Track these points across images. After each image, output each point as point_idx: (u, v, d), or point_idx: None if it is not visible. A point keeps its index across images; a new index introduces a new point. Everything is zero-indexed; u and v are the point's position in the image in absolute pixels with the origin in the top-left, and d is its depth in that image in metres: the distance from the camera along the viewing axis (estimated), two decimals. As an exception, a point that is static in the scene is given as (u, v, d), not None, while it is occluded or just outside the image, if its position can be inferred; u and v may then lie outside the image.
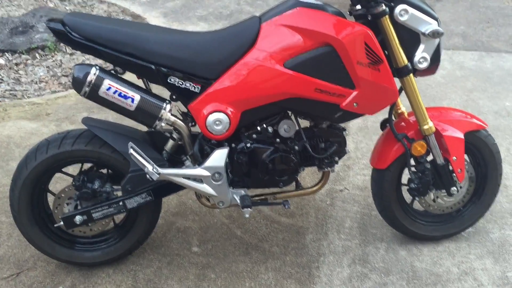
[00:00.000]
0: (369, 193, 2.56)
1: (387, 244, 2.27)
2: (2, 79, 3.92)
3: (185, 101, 1.87)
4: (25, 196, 1.94)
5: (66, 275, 2.10)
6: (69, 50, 4.43)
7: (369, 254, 2.22)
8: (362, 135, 3.11)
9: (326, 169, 2.07)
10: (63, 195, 1.96)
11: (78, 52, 4.40)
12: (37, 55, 4.31)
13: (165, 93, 1.86)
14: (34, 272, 2.12)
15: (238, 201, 1.94)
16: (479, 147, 2.10)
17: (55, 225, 1.98)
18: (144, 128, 2.00)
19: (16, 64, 4.17)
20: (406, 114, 2.13)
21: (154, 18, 5.02)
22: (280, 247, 2.26)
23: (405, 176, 2.13)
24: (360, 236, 2.32)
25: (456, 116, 2.08)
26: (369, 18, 1.82)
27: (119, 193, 1.98)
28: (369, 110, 1.91)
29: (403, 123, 2.10)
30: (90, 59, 4.28)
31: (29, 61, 4.21)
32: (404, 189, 2.17)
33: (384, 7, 1.79)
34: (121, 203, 1.92)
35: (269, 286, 2.05)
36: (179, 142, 1.95)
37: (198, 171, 1.87)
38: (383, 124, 2.16)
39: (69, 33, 1.74)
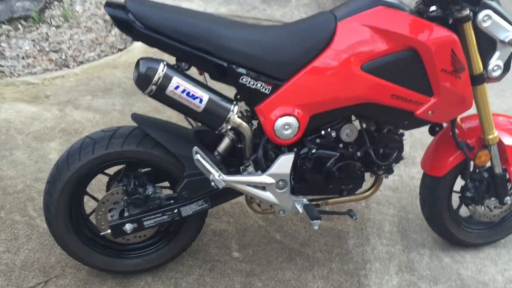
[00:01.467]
0: (402, 195, 2.53)
1: (430, 251, 2.23)
2: (-17, 52, 3.56)
3: (252, 102, 1.71)
4: (64, 200, 1.73)
5: (101, 284, 1.92)
6: (55, 22, 4.06)
7: (414, 261, 2.17)
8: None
9: (381, 175, 1.99)
10: (108, 200, 1.76)
11: (65, 25, 4.06)
12: (19, 26, 3.92)
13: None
14: (64, 280, 1.92)
15: (300, 210, 1.82)
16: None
17: (101, 234, 1.78)
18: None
19: (-3, 35, 3.79)
20: (459, 120, 2.06)
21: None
22: (324, 252, 2.17)
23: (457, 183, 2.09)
24: (401, 241, 2.26)
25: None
26: (450, 22, 1.72)
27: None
28: (442, 119, 1.83)
29: (457, 130, 2.03)
30: (79, 33, 3.96)
31: (11, 33, 3.82)
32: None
33: (468, 11, 1.69)
34: (176, 211, 1.75)
35: (321, 296, 1.97)
36: (239, 145, 1.79)
37: (264, 178, 1.73)
38: (433, 129, 2.09)
39: (133, 23, 1.53)
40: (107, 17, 4.23)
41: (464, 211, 2.20)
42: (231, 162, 1.84)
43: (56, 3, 4.30)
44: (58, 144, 2.59)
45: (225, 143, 1.79)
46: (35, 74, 3.28)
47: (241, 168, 1.81)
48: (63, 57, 3.62)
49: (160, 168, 1.78)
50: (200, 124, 1.87)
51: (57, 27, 4.01)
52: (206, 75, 1.73)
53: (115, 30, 4.05)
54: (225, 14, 4.42)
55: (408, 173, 2.68)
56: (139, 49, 3.61)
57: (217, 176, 1.64)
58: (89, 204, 2.07)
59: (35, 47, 3.71)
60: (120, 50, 3.71)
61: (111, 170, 1.86)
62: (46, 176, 2.36)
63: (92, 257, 1.86)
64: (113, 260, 1.89)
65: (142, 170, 1.86)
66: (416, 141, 2.93)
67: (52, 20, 4.07)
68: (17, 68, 3.40)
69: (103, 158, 1.70)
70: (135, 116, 1.74)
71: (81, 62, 3.53)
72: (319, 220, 1.75)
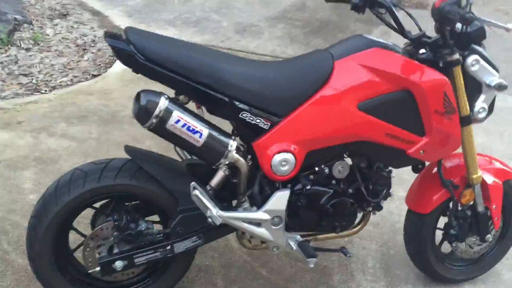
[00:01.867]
0: (383, 230, 2.56)
1: (412, 287, 2.25)
2: None
3: (250, 137, 1.70)
4: (50, 235, 1.65)
5: (82, 324, 1.82)
6: (24, 45, 3.95)
7: (398, 297, 2.19)
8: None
9: (369, 212, 2.01)
10: (97, 235, 1.69)
11: (35, 48, 3.95)
12: (-13, 48, 3.79)
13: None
14: (43, 321, 1.81)
15: (293, 247, 1.81)
16: (509, 194, 2.15)
17: (89, 271, 1.69)
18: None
19: (-37, 57, 3.64)
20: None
21: (118, 17, 4.65)
22: (310, 289, 2.15)
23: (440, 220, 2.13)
24: (385, 277, 2.27)
25: (493, 164, 2.12)
26: (441, 65, 1.78)
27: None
28: (432, 158, 1.88)
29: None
30: (49, 57, 3.86)
31: (-22, 55, 3.69)
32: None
33: (458, 56, 1.76)
34: (168, 247, 1.70)
35: (310, 335, 1.94)
36: (234, 180, 1.76)
37: (260, 214, 1.71)
38: (416, 167, 2.13)
39: (135, 55, 1.50)
40: (79, 42, 4.16)
41: (444, 248, 2.24)
42: (223, 196, 1.81)
43: (25, 25, 4.19)
44: (33, 173, 2.48)
45: (218, 177, 1.75)
46: (6, 99, 3.15)
47: (233, 203, 1.79)
48: (34, 81, 3.50)
49: (151, 202, 1.73)
50: (190, 157, 1.84)
51: (27, 50, 3.90)
52: (203, 108, 1.71)
53: (88, 55, 3.98)
54: (199, 43, 4.43)
55: (387, 208, 2.70)
56: (114, 76, 3.56)
57: (215, 213, 1.61)
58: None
59: (4, 70, 3.59)
60: (94, 76, 3.64)
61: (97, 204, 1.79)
62: (20, 207, 2.28)
63: (75, 296, 1.77)
64: (97, 299, 1.81)
65: (131, 204, 1.81)
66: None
67: (21, 42, 3.96)
68: (-15, 92, 3.27)
69: (95, 191, 1.64)
70: (128, 149, 1.69)
71: (54, 87, 3.43)
72: (315, 258, 1.74)
